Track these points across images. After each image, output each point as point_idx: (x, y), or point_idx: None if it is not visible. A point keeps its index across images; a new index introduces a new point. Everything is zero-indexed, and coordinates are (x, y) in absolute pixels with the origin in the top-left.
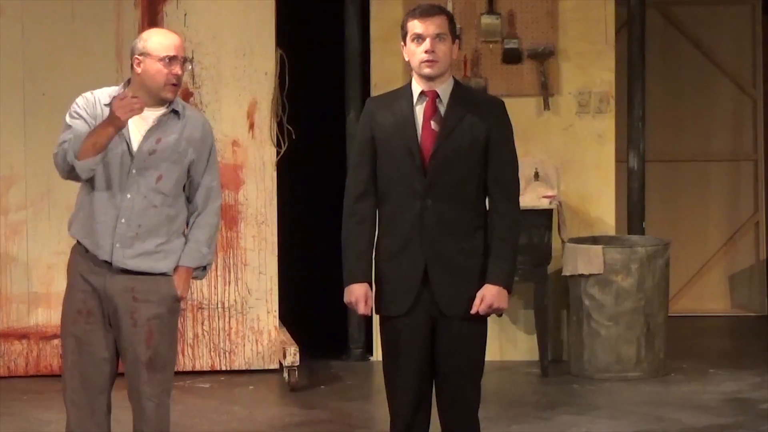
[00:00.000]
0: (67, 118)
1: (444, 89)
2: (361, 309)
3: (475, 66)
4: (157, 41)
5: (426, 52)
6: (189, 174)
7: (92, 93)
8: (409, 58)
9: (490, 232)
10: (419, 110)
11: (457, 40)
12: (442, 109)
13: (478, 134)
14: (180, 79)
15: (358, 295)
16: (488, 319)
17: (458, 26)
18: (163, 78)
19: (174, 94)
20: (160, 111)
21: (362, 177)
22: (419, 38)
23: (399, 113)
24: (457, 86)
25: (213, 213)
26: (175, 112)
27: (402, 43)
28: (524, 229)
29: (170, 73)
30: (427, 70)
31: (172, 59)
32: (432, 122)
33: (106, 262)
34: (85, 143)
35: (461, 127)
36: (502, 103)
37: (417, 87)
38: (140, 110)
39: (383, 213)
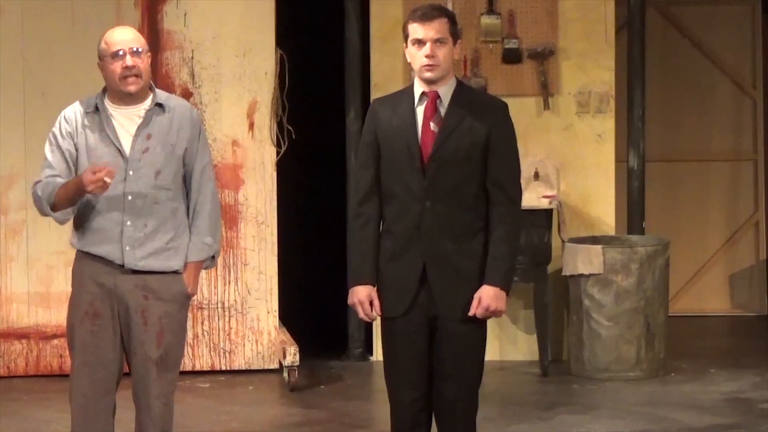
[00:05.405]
0: (46, 146)
1: (445, 90)
2: (362, 314)
3: (475, 66)
4: (103, 43)
5: (426, 56)
6: (184, 163)
7: (72, 108)
8: (411, 61)
9: (490, 234)
10: (420, 111)
11: (459, 41)
12: (442, 110)
13: (478, 136)
14: (133, 69)
15: (362, 297)
16: (487, 320)
17: (459, 26)
18: (116, 75)
19: (135, 87)
20: (144, 106)
21: (366, 178)
22: (420, 42)
23: (401, 114)
24: (460, 87)
25: (209, 196)
26: (160, 105)
27: (404, 44)
28: (524, 229)
29: (120, 67)
30: (427, 74)
31: (115, 54)
32: (431, 123)
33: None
34: (58, 196)
35: (461, 128)
36: (505, 104)
37: (419, 88)
38: (105, 189)
39: (386, 214)
